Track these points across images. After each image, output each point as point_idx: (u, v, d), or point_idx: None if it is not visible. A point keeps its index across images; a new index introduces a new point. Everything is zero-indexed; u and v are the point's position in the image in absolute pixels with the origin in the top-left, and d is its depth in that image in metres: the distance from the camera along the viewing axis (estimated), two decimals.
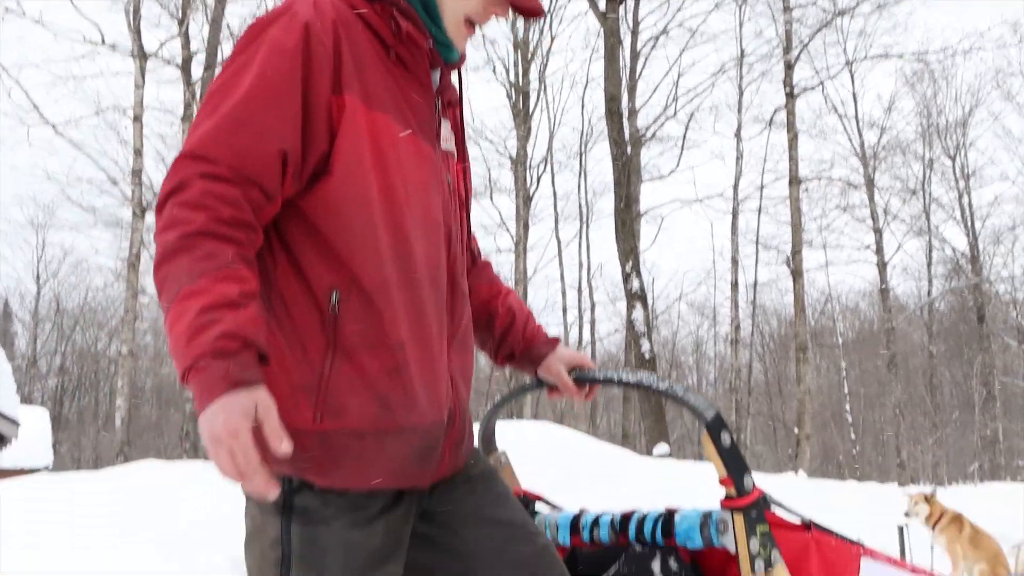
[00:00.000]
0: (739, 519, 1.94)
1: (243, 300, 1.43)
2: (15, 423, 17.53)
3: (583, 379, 2.08)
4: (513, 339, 2.07)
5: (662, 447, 17.28)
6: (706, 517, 2.03)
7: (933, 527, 7.96)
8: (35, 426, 24.79)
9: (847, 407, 36.14)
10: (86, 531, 4.61)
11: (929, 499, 8.11)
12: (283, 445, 1.40)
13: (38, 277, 42.33)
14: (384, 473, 1.63)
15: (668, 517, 2.11)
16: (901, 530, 7.97)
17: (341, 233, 1.60)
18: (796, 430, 23.12)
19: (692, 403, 1.97)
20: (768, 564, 1.94)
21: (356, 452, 1.60)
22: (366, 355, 1.59)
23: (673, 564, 2.06)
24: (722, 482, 1.95)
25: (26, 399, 32.54)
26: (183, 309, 1.41)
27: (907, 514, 8.09)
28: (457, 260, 1.79)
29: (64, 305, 43.18)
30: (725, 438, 1.93)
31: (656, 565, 2.07)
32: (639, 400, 20.36)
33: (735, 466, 1.93)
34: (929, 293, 35.40)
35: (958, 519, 7.95)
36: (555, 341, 2.11)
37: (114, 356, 33.12)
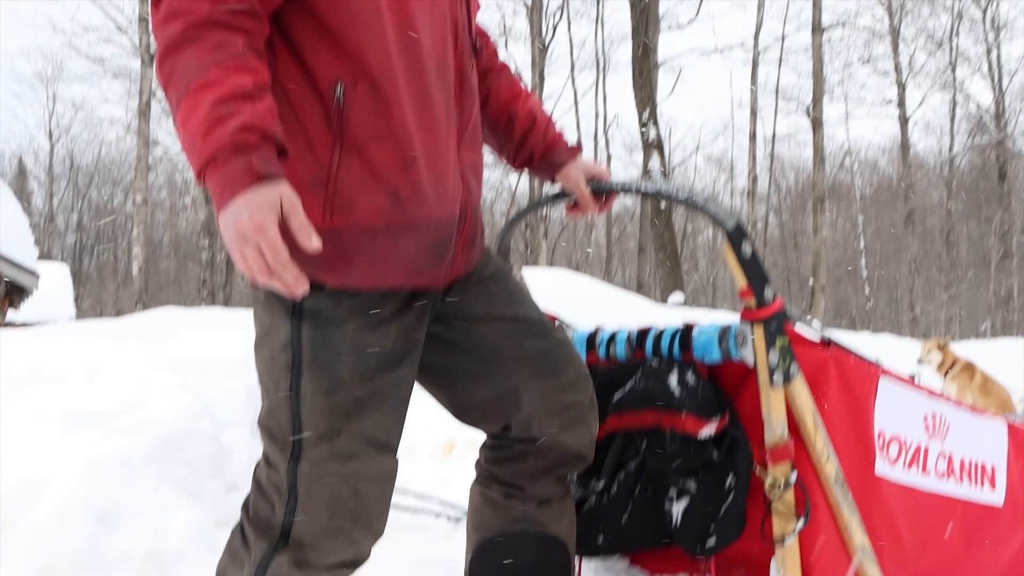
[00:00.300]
0: (759, 331, 1.90)
1: (258, 92, 1.37)
2: (35, 275, 17.73)
3: (601, 189, 2.01)
4: (533, 142, 1.99)
5: (677, 296, 17.43)
6: (725, 330, 1.99)
7: (945, 375, 8.02)
8: (56, 282, 25.04)
9: (862, 262, 36.13)
10: (105, 366, 4.66)
11: (942, 347, 8.16)
12: (312, 240, 1.35)
13: (51, 134, 42.11)
14: (397, 271, 1.59)
15: (686, 331, 2.08)
16: (913, 378, 8.01)
17: (346, 21, 1.51)
18: (811, 281, 23.17)
19: (713, 212, 1.91)
20: (787, 378, 1.91)
21: (368, 249, 1.55)
22: (374, 148, 1.53)
23: (690, 378, 2.02)
24: (742, 294, 1.91)
25: (45, 255, 32.84)
26: (196, 103, 1.33)
27: (920, 361, 8.16)
28: (464, 53, 1.70)
29: (78, 162, 43.10)
30: (746, 248, 1.88)
31: (673, 379, 2.04)
32: (654, 250, 20.37)
33: (756, 277, 1.89)
34: (951, 149, 34.87)
35: (969, 367, 8.02)
36: (576, 149, 2.03)
37: (130, 212, 33.16)
